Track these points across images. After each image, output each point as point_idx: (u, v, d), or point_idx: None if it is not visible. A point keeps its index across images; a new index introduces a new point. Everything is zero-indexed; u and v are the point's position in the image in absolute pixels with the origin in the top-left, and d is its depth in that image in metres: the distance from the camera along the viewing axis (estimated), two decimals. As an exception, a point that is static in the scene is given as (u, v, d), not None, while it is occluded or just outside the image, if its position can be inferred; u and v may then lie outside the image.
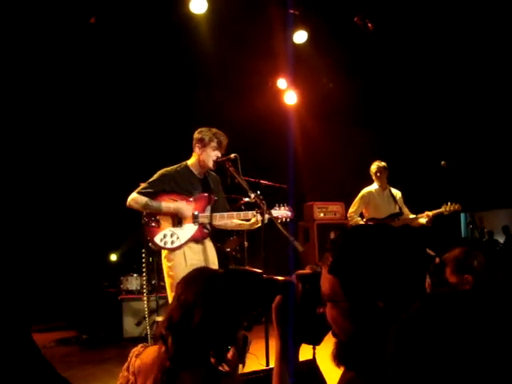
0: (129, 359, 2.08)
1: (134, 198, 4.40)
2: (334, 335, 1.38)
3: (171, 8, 7.15)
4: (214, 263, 4.67)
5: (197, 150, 4.59)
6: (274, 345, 1.61)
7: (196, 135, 4.61)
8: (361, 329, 1.28)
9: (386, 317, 1.20)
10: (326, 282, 1.36)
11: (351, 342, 1.32)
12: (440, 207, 6.66)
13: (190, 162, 4.66)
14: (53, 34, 6.78)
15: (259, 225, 4.60)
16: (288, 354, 1.56)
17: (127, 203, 4.43)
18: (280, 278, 1.62)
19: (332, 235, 8.44)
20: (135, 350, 2.11)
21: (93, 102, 7.68)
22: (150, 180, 4.50)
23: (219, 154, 4.57)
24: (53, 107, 7.43)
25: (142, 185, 4.48)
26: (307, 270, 1.57)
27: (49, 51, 6.93)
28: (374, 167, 6.97)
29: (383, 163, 6.94)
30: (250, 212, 4.61)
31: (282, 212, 4.65)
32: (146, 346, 2.13)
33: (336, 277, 1.32)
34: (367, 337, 1.27)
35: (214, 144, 4.54)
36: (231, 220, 4.72)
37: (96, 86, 7.59)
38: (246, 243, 7.20)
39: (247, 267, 1.89)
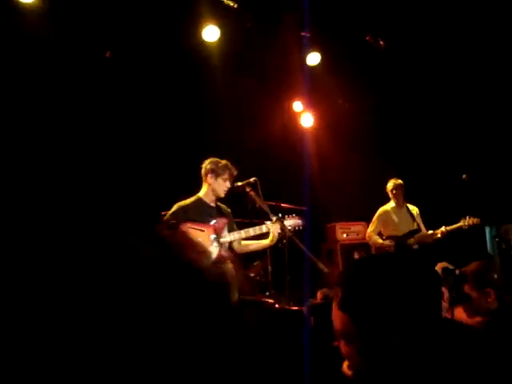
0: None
1: None
2: (350, 368, 1.34)
3: (184, 37, 7.23)
4: (235, 285, 4.71)
5: (209, 179, 4.75)
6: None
7: (208, 166, 4.79)
8: (375, 366, 1.23)
9: (402, 353, 1.15)
10: (337, 318, 1.31)
11: (366, 377, 1.26)
12: (459, 221, 6.59)
13: (202, 193, 4.84)
14: (70, 69, 6.89)
15: (275, 240, 4.67)
16: None
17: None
18: (294, 307, 1.59)
19: (356, 255, 8.36)
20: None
21: (108, 134, 7.72)
22: (170, 212, 4.69)
23: (229, 185, 4.75)
24: (70, 143, 7.47)
25: (167, 217, 4.63)
26: (318, 298, 1.54)
27: (65, 86, 7.03)
28: (390, 185, 6.94)
29: (399, 181, 6.91)
30: (264, 225, 4.73)
31: (292, 222, 4.74)
32: None
33: (346, 313, 1.27)
34: (382, 374, 1.21)
35: (226, 175, 4.71)
36: (249, 241, 4.85)
37: (111, 118, 7.64)
38: (269, 268, 7.14)
39: (259, 297, 1.88)
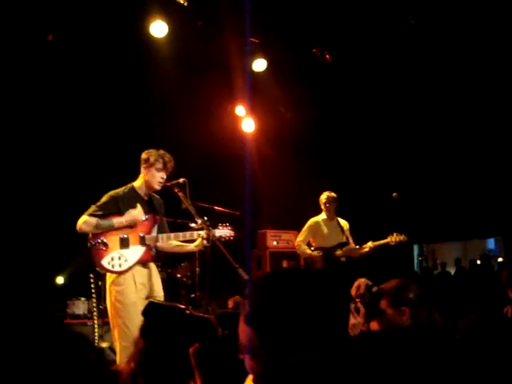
0: None
1: (85, 221, 4.32)
2: (255, 382, 1.33)
3: (132, 30, 7.12)
4: (159, 287, 4.62)
5: (142, 170, 4.56)
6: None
7: (143, 156, 4.58)
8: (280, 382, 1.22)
9: (305, 370, 1.15)
10: (243, 332, 1.29)
11: None
12: (386, 237, 6.74)
13: (136, 183, 4.62)
14: (12, 50, 6.67)
15: (202, 247, 4.60)
16: None
17: (77, 227, 4.35)
18: (201, 315, 1.59)
19: (285, 263, 8.42)
20: None
21: (47, 119, 7.53)
22: (99, 203, 4.44)
23: (164, 176, 4.54)
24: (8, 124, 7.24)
25: (92, 207, 4.40)
26: (230, 306, 1.54)
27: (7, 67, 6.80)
28: (323, 197, 7.02)
29: (333, 194, 7.00)
30: (196, 232, 4.59)
31: (225, 231, 4.66)
32: None
33: (252, 328, 1.25)
34: None
35: (159, 165, 4.50)
36: (175, 241, 4.69)
37: (53, 104, 7.45)
38: (197, 269, 7.11)
39: (170, 302, 1.87)
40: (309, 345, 1.20)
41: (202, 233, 4.54)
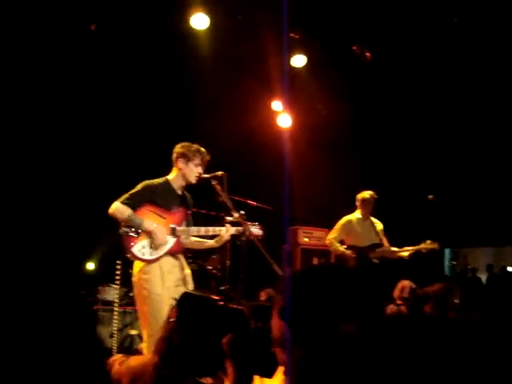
0: (109, 367, 2.07)
1: (119, 208, 4.33)
2: (286, 374, 1.34)
3: (172, 21, 7.15)
4: (189, 278, 4.65)
5: (179, 164, 4.56)
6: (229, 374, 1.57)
7: (179, 149, 4.58)
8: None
9: (337, 366, 1.14)
10: (276, 325, 1.31)
11: None
12: (420, 243, 6.67)
13: (171, 177, 4.63)
14: (53, 39, 6.77)
15: (222, 242, 4.65)
16: None
17: (110, 211, 4.35)
18: (235, 306, 1.58)
19: (315, 261, 8.39)
20: (116, 358, 2.09)
21: (89, 109, 7.63)
22: (133, 191, 4.45)
23: (201, 170, 4.56)
24: (45, 113, 7.36)
25: (125, 195, 4.41)
26: (262, 297, 1.55)
27: (48, 56, 6.90)
28: (363, 196, 6.93)
29: (373, 193, 6.92)
30: (218, 228, 4.62)
31: (255, 230, 4.64)
32: (126, 356, 2.12)
33: (285, 322, 1.27)
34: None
35: (197, 160, 4.53)
36: (194, 238, 4.73)
37: (91, 94, 7.54)
38: (227, 262, 7.13)
39: (204, 293, 1.88)
40: (339, 340, 1.19)
41: (223, 229, 4.57)
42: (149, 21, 7.04)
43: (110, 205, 4.37)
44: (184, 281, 4.55)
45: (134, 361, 2.09)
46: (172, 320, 1.96)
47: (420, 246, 6.64)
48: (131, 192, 4.43)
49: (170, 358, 1.90)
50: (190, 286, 4.63)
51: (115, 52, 7.33)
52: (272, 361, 1.38)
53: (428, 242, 6.60)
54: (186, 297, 1.98)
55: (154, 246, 4.40)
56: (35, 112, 7.24)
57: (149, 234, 4.39)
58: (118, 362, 2.09)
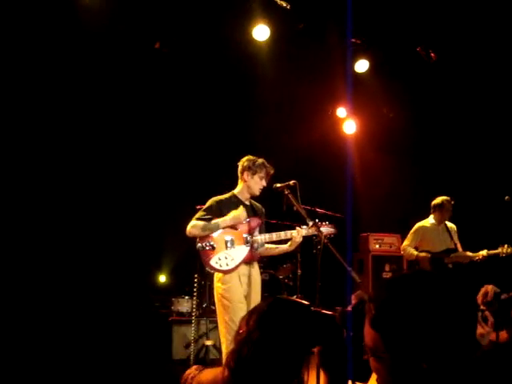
0: (183, 381, 2.05)
1: (194, 225, 4.54)
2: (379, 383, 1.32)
3: (234, 35, 7.24)
4: (258, 287, 4.76)
5: (245, 176, 4.74)
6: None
7: (245, 163, 4.76)
8: None
9: (429, 377, 1.12)
10: (368, 334, 1.30)
11: None
12: (497, 247, 6.47)
13: (237, 190, 4.82)
14: (119, 58, 7.00)
15: (295, 246, 4.76)
16: None
17: (187, 232, 4.57)
18: (327, 312, 1.57)
19: (387, 267, 8.26)
20: (190, 372, 2.07)
21: (153, 124, 7.84)
22: (205, 207, 4.66)
23: (265, 184, 4.75)
24: (115, 130, 7.60)
25: (199, 212, 4.62)
26: (353, 302, 1.51)
27: (110, 73, 7.15)
28: (441, 201, 6.76)
29: (450, 199, 6.76)
30: (289, 232, 4.74)
31: (325, 229, 4.72)
32: (199, 368, 2.09)
33: (378, 332, 1.26)
34: None
35: (262, 173, 4.70)
36: (270, 245, 4.87)
37: (156, 109, 7.75)
38: (299, 271, 7.12)
39: (295, 298, 1.85)
40: (434, 351, 1.17)
41: (294, 232, 4.69)
42: (212, 36, 7.16)
43: (183, 220, 4.57)
44: (251, 290, 4.67)
45: (206, 375, 2.05)
46: (242, 331, 1.93)
47: (497, 251, 6.45)
48: (203, 208, 4.65)
49: (240, 372, 1.87)
50: (258, 296, 4.70)
51: (181, 68, 7.50)
52: (366, 367, 1.37)
53: (506, 246, 6.41)
54: (276, 301, 1.93)
55: (232, 245, 4.57)
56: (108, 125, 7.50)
57: (230, 224, 4.59)
58: (191, 377, 2.07)
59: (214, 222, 4.54)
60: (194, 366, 2.10)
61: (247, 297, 4.65)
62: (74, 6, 6.17)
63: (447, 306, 1.23)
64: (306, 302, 1.62)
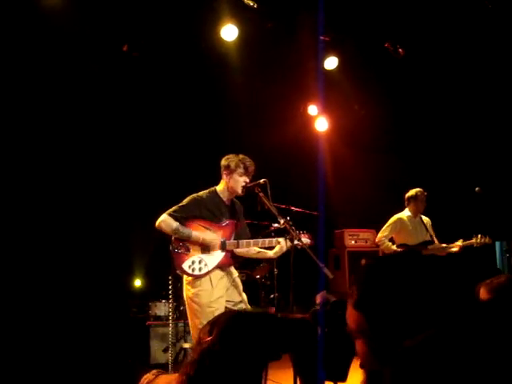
0: None
1: (165, 221, 4.40)
2: (362, 367, 1.33)
3: (202, 35, 7.22)
4: (240, 289, 4.71)
5: (224, 176, 4.64)
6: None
7: (223, 162, 4.66)
8: (387, 366, 1.21)
9: (414, 354, 1.12)
10: (351, 316, 1.32)
11: (378, 377, 1.25)
12: (471, 238, 6.56)
13: (219, 188, 4.70)
14: (86, 60, 6.92)
15: (280, 254, 4.65)
16: None
17: (157, 224, 4.43)
18: (297, 316, 1.57)
19: (363, 262, 8.31)
20: (146, 377, 2.06)
21: (124, 126, 7.75)
22: (182, 204, 4.52)
23: (247, 180, 4.60)
24: (82, 130, 7.50)
25: (174, 208, 4.48)
26: (317, 302, 1.52)
27: (80, 76, 7.06)
28: (414, 193, 6.84)
29: (422, 190, 6.85)
30: (274, 239, 4.65)
31: (305, 240, 4.65)
32: (158, 373, 2.08)
33: (362, 313, 1.28)
34: (394, 374, 1.19)
35: (240, 170, 4.58)
36: (253, 248, 4.74)
37: (126, 112, 7.67)
38: (275, 270, 7.13)
39: (260, 308, 1.85)
40: (417, 328, 1.19)
41: (281, 240, 4.58)
42: (180, 37, 7.13)
43: (152, 222, 4.46)
44: (234, 283, 4.63)
45: (161, 380, 2.04)
46: (203, 342, 1.91)
47: (471, 241, 6.54)
48: (179, 205, 4.51)
49: (199, 382, 1.86)
50: (241, 287, 4.67)
51: (150, 70, 7.44)
52: (342, 366, 1.38)
53: (479, 236, 6.50)
54: (238, 316, 1.92)
55: (208, 250, 4.46)
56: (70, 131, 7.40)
57: (199, 244, 4.46)
58: (146, 382, 2.05)
59: (187, 230, 4.41)
60: (153, 371, 2.09)
61: (229, 292, 4.59)
62: (37, 9, 6.07)
63: (424, 283, 1.26)
64: (272, 311, 1.63)
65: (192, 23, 6.97)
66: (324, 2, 5.65)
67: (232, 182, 4.60)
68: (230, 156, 4.66)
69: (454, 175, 8.37)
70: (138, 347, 6.89)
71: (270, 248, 4.75)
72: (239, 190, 4.60)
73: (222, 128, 8.10)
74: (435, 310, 1.22)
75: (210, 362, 1.83)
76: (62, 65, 6.86)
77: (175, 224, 4.39)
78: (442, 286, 1.26)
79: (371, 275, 1.32)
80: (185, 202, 4.53)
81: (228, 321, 1.94)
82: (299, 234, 4.60)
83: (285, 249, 4.60)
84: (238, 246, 4.60)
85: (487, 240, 6.53)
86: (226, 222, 4.60)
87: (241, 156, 4.66)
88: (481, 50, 7.51)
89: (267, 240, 4.66)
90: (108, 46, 7.05)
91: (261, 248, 4.77)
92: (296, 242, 4.33)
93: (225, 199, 4.67)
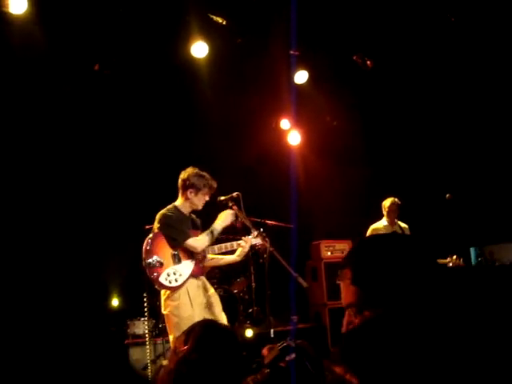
0: None
1: (193, 244, 4.58)
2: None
3: (173, 53, 7.26)
4: (214, 298, 4.78)
5: (188, 194, 4.68)
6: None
7: (190, 180, 4.68)
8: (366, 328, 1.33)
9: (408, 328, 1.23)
10: (348, 292, 1.40)
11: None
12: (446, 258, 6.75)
13: (178, 203, 4.77)
14: (58, 80, 6.90)
15: (243, 255, 4.80)
16: None
17: (200, 249, 4.62)
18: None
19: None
20: None
21: (94, 145, 7.70)
22: (175, 226, 4.61)
23: (208, 198, 4.74)
24: (54, 151, 7.45)
25: (178, 234, 4.58)
26: (265, 354, 1.61)
27: (53, 96, 7.04)
28: (388, 203, 6.98)
29: (396, 199, 6.98)
30: (235, 242, 4.78)
31: (258, 240, 4.76)
32: None
33: (359, 287, 1.36)
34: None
35: (206, 190, 4.68)
36: (211, 255, 4.83)
37: (98, 130, 7.63)
38: (253, 284, 7.15)
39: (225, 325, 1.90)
40: (409, 297, 1.30)
41: (242, 242, 4.73)
42: (151, 56, 7.16)
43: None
44: (209, 302, 4.68)
45: None
46: (179, 351, 1.93)
47: (446, 261, 6.73)
48: (175, 228, 4.60)
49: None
50: (218, 307, 4.70)
51: (122, 88, 7.45)
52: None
53: (454, 256, 6.68)
54: (206, 325, 1.96)
55: (179, 261, 4.55)
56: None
57: (172, 256, 4.58)
58: None
59: (209, 234, 4.60)
60: None
61: (209, 307, 4.66)
62: (5, 26, 6.04)
63: (420, 257, 1.38)
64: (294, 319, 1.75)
65: (162, 41, 7.00)
66: (291, 16, 5.76)
67: (196, 199, 4.69)
68: (195, 173, 4.70)
69: (425, 183, 8.49)
70: (118, 367, 6.82)
71: (233, 252, 4.87)
72: (200, 207, 4.74)
73: (195, 143, 8.11)
74: (414, 278, 1.32)
75: (187, 370, 1.85)
76: (34, 87, 6.84)
77: (199, 237, 4.60)
78: (427, 260, 1.38)
79: (365, 252, 1.42)
80: (171, 220, 4.61)
81: (203, 329, 1.97)
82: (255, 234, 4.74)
83: (247, 249, 4.75)
84: (204, 254, 4.71)
85: (461, 262, 6.71)
86: (191, 233, 4.71)
87: (206, 175, 4.73)
88: (447, 61, 7.66)
89: (229, 244, 4.79)
90: (79, 66, 7.05)
91: (224, 254, 4.90)
92: (269, 249, 4.39)
93: (185, 213, 4.76)
